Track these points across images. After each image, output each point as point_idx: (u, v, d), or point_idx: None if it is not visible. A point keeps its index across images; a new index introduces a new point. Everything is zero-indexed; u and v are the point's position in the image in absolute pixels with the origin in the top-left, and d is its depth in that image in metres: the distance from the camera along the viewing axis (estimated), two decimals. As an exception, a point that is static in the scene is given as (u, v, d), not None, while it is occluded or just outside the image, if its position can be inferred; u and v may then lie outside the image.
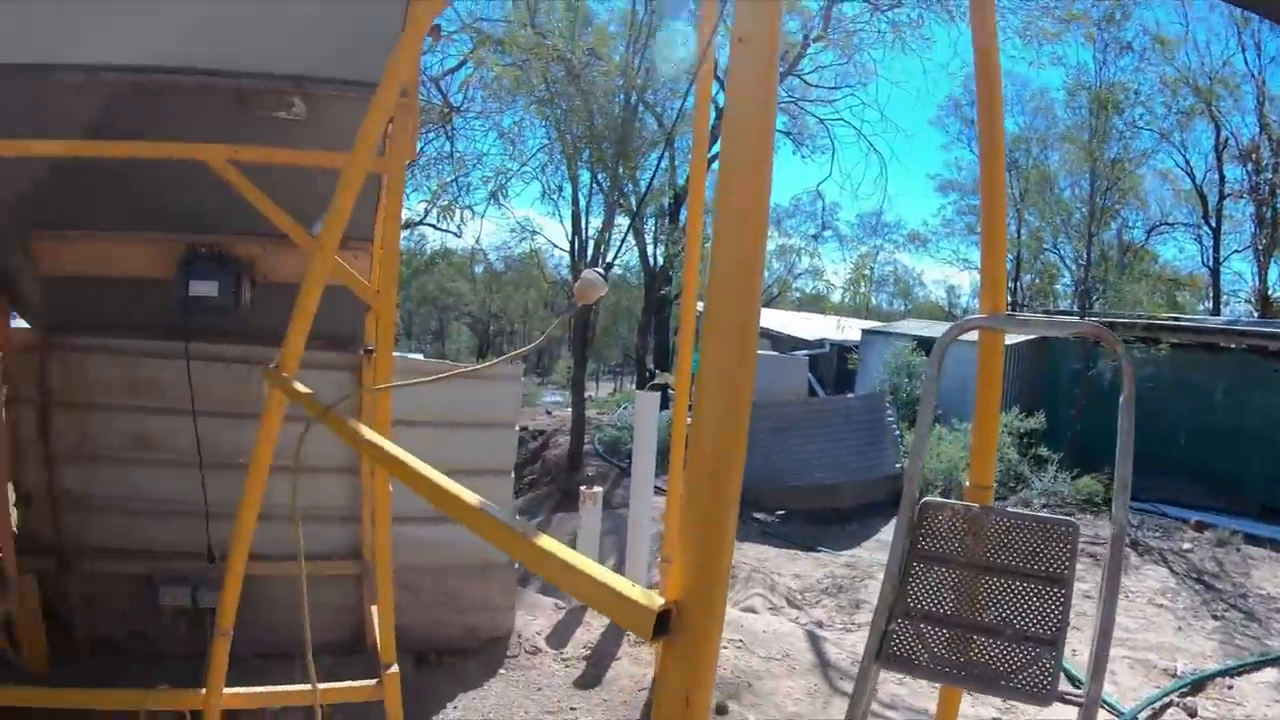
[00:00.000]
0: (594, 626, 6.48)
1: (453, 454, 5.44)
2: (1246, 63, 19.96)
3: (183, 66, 3.56)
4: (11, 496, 5.18)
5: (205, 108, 3.80)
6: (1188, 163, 21.63)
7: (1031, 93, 20.73)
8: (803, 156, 20.21)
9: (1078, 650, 6.39)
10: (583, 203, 16.50)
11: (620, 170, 14.68)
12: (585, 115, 13.97)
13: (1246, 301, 22.48)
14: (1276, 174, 20.41)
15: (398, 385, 3.22)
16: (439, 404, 5.64)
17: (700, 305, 3.31)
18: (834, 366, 22.34)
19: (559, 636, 6.35)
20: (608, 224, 16.10)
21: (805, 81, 17.97)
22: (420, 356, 21.47)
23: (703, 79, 4.44)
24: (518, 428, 6.58)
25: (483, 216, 18.32)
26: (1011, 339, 14.80)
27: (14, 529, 5.13)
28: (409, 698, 4.15)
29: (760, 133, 1.20)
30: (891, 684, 6.00)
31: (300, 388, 2.65)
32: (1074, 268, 17.13)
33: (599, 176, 15.70)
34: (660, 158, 15.97)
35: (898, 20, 15.66)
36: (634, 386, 20.93)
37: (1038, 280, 20.09)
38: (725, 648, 6.32)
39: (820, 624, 8.43)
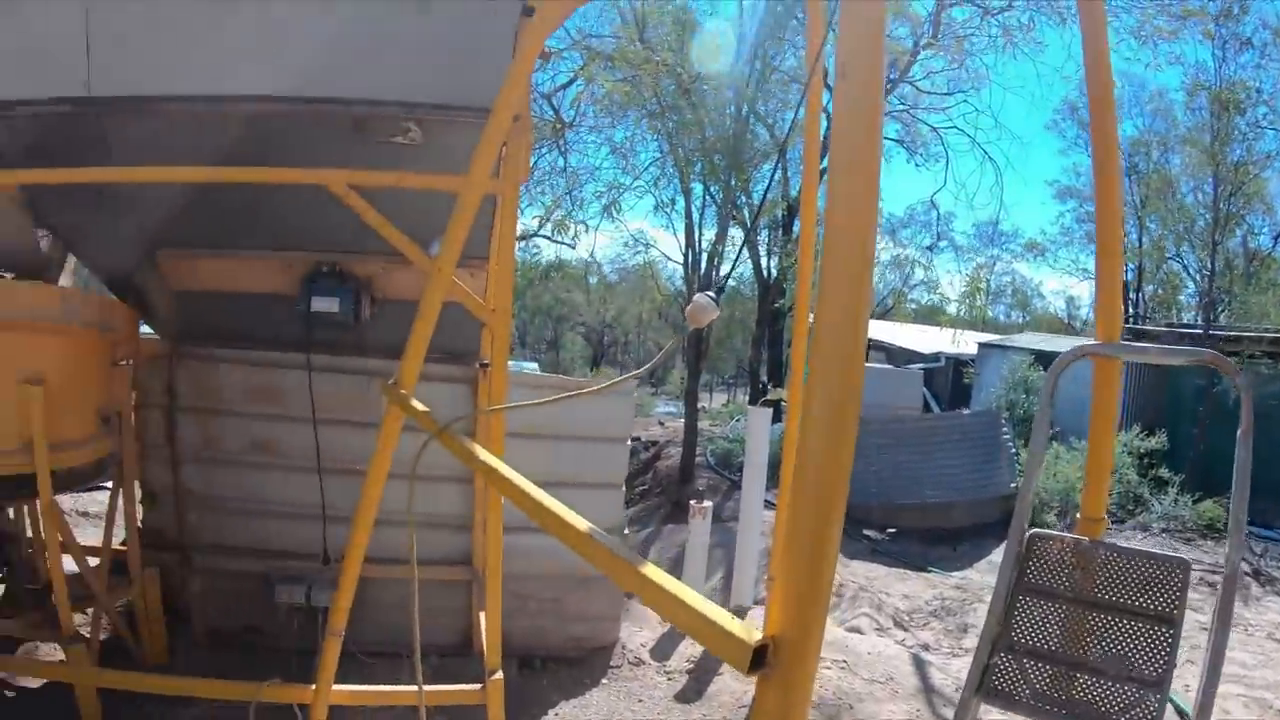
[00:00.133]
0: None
1: (564, 467, 5.73)
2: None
3: (305, 96, 3.87)
4: (138, 495, 5.63)
5: (326, 134, 4.11)
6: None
7: (1149, 94, 19.93)
8: (916, 165, 20.04)
9: (1190, 685, 6.14)
10: (696, 215, 16.73)
11: (733, 182, 14.77)
12: (697, 128, 14.12)
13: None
14: None
15: (511, 407, 3.41)
16: (552, 418, 5.74)
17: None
18: (949, 381, 21.87)
19: (663, 649, 6.46)
20: (721, 236, 16.23)
21: (917, 88, 17.71)
22: (535, 366, 22.09)
23: (813, 90, 4.51)
24: (630, 439, 6.73)
25: (596, 230, 18.63)
26: (1135, 353, 14.20)
27: (139, 525, 5.57)
28: (511, 703, 4.29)
29: (864, 169, 1.27)
30: (994, 714, 5.89)
31: (418, 405, 2.86)
32: (1198, 278, 16.37)
33: (712, 189, 15.84)
34: (774, 169, 15.98)
35: (1008, 24, 15.28)
36: (747, 399, 20.98)
37: (1160, 291, 19.23)
38: (828, 668, 6.33)
39: (927, 646, 8.32)
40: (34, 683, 5.12)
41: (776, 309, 17.25)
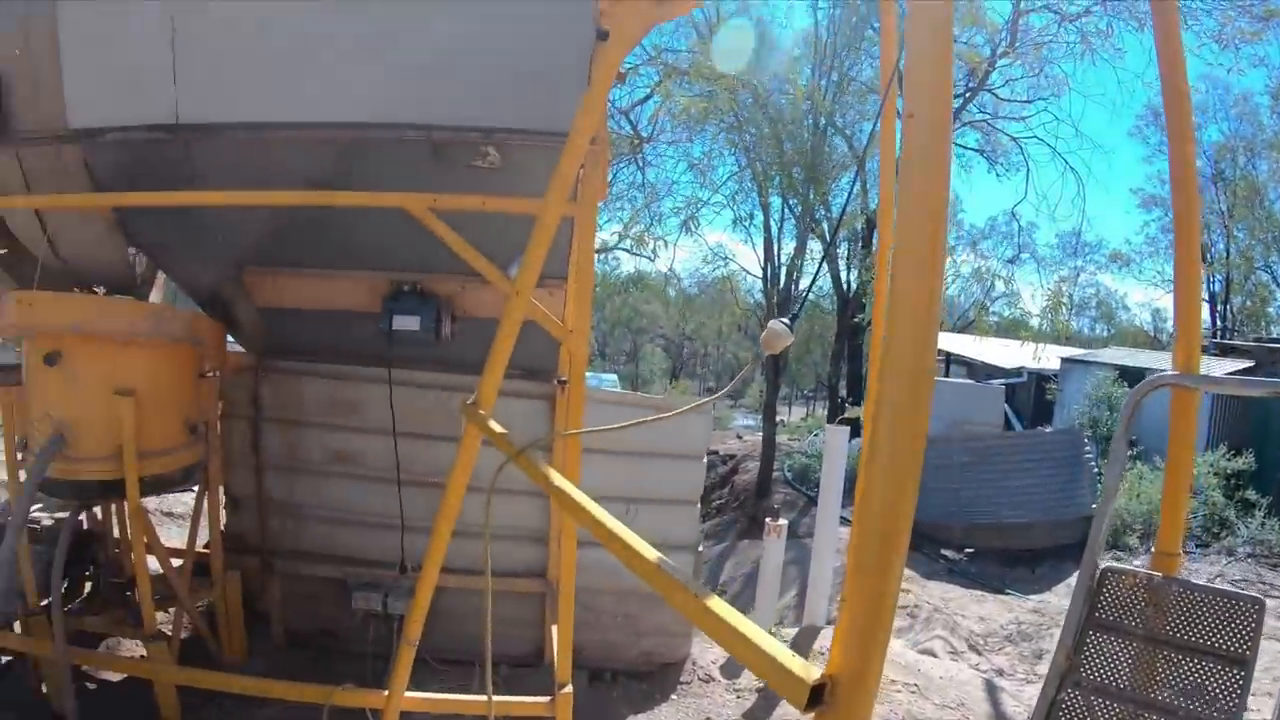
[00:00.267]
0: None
1: (641, 484, 5.81)
2: None
3: (388, 122, 4.06)
4: (222, 500, 5.91)
5: (404, 157, 4.29)
6: None
7: (1234, 98, 19.24)
8: (997, 176, 19.84)
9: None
10: (774, 229, 16.87)
11: (811, 195, 14.82)
12: (774, 141, 14.22)
13: None
14: None
15: (587, 431, 3.53)
16: (629, 434, 5.84)
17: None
18: (1031, 397, 21.41)
19: (733, 667, 6.48)
20: (800, 250, 16.31)
21: (996, 96, 17.53)
22: (614, 378, 22.28)
23: (889, 102, 4.54)
24: (706, 456, 6.79)
25: (674, 244, 18.85)
26: (1220, 368, 13.68)
27: (223, 529, 5.83)
28: (580, 715, 4.38)
29: (933, 213, 1.34)
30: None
31: (496, 427, 2.98)
32: (1288, 289, 15.73)
33: (790, 202, 15.96)
34: (853, 181, 15.98)
35: (1086, 30, 15.00)
36: (825, 413, 20.92)
37: (1249, 303, 18.50)
38: (899, 691, 6.31)
39: (1001, 672, 8.20)
40: (115, 677, 5.37)
41: (856, 323, 17.24)
